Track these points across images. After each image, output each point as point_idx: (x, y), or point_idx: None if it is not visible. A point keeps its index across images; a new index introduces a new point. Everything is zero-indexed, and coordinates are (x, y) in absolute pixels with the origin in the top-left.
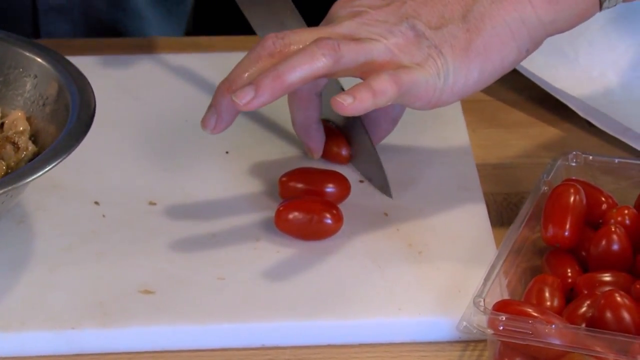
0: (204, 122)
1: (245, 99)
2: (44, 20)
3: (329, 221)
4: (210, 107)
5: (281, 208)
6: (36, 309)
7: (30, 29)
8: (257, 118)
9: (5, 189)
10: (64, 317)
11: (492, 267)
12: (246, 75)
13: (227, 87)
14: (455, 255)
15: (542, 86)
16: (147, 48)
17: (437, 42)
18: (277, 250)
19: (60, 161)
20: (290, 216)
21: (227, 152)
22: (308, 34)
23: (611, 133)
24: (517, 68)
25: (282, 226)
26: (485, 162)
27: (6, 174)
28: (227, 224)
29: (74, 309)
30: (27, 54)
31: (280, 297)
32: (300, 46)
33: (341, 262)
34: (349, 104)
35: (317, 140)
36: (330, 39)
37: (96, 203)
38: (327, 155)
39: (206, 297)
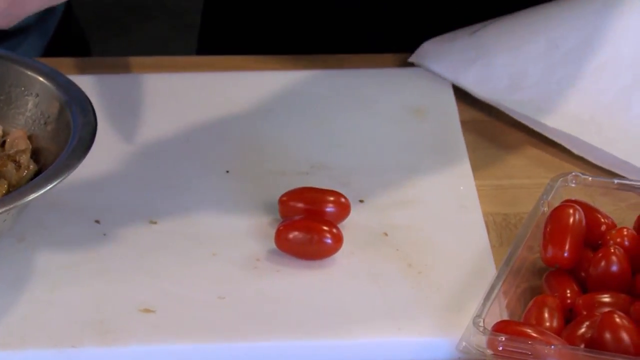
0: None
1: None
2: None
3: (329, 241)
4: None
5: (281, 227)
6: (36, 327)
7: None
8: (258, 137)
9: (7, 208)
10: (64, 335)
11: (492, 287)
12: None
13: None
14: (454, 275)
15: (534, 127)
16: (150, 67)
17: None
18: (277, 270)
19: (62, 180)
20: (290, 236)
21: (227, 172)
22: None
23: (607, 168)
24: (509, 112)
25: (282, 245)
26: (485, 182)
27: (7, 192)
28: (228, 243)
29: (74, 327)
30: (29, 72)
31: (280, 317)
32: None
33: (341, 281)
34: None
35: None
36: None
37: (97, 222)
38: None
39: (206, 315)
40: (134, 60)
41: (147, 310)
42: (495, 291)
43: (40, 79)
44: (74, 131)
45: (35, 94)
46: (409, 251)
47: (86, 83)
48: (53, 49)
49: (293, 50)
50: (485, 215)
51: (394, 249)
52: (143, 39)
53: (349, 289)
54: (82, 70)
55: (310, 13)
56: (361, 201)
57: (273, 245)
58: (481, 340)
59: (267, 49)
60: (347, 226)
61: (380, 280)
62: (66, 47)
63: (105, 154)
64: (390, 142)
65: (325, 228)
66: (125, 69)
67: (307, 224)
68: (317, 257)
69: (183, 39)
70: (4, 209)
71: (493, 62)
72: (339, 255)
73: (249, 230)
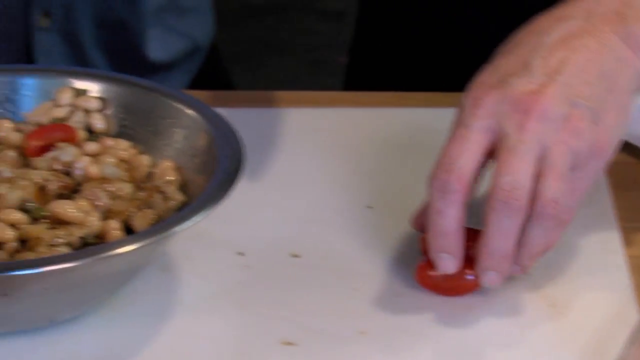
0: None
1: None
2: (37, 38)
3: (470, 277)
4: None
5: (422, 264)
6: (180, 358)
7: (23, 50)
8: (401, 172)
9: (155, 238)
10: None
11: (635, 331)
12: None
13: None
14: (596, 317)
15: None
16: (293, 102)
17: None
18: (418, 306)
19: (209, 213)
20: (431, 272)
21: (369, 207)
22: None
23: None
24: None
25: (423, 282)
26: (628, 224)
27: (155, 223)
28: (369, 278)
29: (217, 358)
30: (176, 105)
31: (419, 353)
32: None
33: (481, 319)
34: None
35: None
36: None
37: (240, 254)
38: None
39: (347, 350)
40: (277, 94)
41: (288, 343)
42: (638, 335)
43: (188, 111)
44: (221, 164)
45: (183, 126)
46: (550, 291)
47: (229, 116)
48: (196, 85)
49: (439, 87)
50: (629, 258)
51: (535, 287)
52: (276, 73)
53: (489, 326)
54: (224, 104)
55: (455, 50)
56: None
57: (413, 281)
58: None
59: (413, 86)
60: None
61: (520, 318)
62: (209, 82)
63: (249, 186)
64: None
65: (466, 265)
66: (268, 102)
67: None
68: (457, 293)
69: (314, 75)
70: (151, 239)
71: (633, 102)
72: (479, 292)
73: (390, 266)
